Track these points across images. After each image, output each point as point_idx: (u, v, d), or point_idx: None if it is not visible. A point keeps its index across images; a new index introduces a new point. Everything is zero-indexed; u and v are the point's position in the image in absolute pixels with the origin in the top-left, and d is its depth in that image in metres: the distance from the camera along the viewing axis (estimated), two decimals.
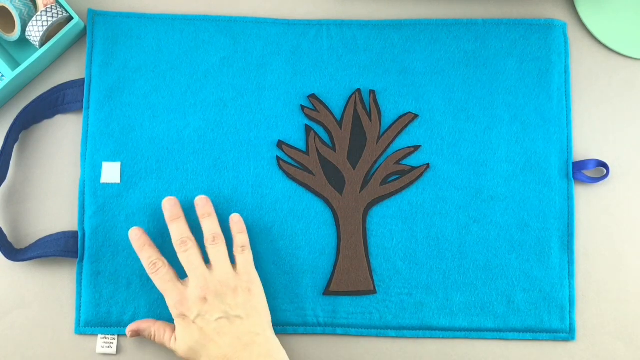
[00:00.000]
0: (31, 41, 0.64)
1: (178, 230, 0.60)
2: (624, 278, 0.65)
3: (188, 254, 0.59)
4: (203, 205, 0.62)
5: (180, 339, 0.58)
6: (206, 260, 0.60)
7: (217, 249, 0.60)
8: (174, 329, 0.59)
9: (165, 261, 0.60)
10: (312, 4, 0.69)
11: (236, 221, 0.62)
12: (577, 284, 0.65)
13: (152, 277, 0.60)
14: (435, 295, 0.64)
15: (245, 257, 0.61)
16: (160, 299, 0.63)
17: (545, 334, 0.64)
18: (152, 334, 0.60)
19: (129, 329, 0.61)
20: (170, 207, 0.62)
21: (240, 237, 0.62)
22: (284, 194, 0.65)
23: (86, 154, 0.65)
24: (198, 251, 0.60)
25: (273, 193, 0.65)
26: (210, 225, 0.61)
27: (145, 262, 0.60)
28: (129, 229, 0.63)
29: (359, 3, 0.69)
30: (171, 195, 0.64)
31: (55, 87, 0.66)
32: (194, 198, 0.64)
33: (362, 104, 0.66)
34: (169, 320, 0.62)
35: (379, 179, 0.65)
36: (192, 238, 0.60)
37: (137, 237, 0.61)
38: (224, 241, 0.61)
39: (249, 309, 0.58)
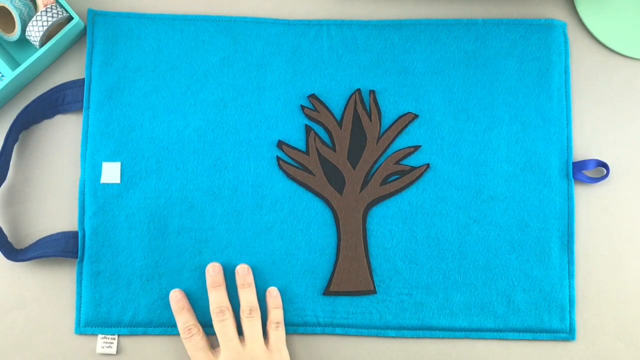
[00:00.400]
0: (31, 41, 0.64)
1: (217, 298, 0.61)
2: (624, 278, 0.65)
3: (223, 324, 0.60)
4: (244, 275, 0.62)
5: None
6: (239, 329, 0.61)
7: (252, 323, 0.60)
8: None
9: (200, 328, 0.61)
10: (312, 4, 0.69)
11: (274, 295, 0.63)
12: (577, 284, 0.65)
13: (185, 342, 0.60)
14: (435, 295, 0.64)
15: (278, 334, 0.61)
16: (161, 299, 0.63)
17: (545, 334, 0.64)
18: None
19: None
20: (214, 273, 0.62)
21: (276, 312, 0.62)
22: (284, 194, 0.65)
23: (86, 154, 0.65)
24: (233, 322, 0.61)
25: (273, 193, 0.65)
26: (248, 297, 0.62)
27: (180, 326, 0.61)
28: (129, 229, 0.63)
29: (359, 3, 0.69)
30: (170, 194, 0.64)
31: (55, 87, 0.66)
32: (194, 198, 0.64)
33: (362, 104, 0.66)
34: (170, 319, 0.62)
35: (379, 179, 0.65)
36: (230, 308, 0.61)
37: (176, 300, 0.62)
38: (260, 315, 0.61)
39: None
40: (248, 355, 0.59)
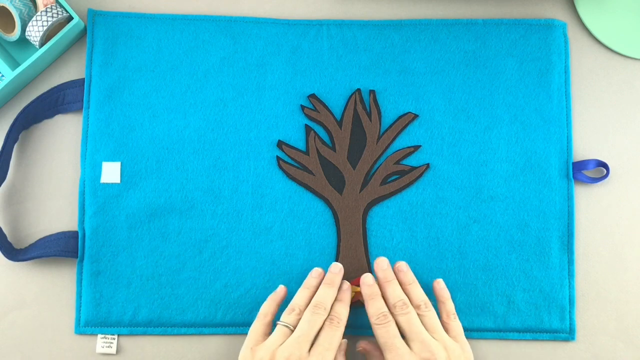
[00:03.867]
0: (31, 41, 0.64)
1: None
2: (624, 278, 0.65)
3: (408, 317, 0.58)
4: (406, 272, 0.61)
5: None
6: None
7: (430, 315, 0.59)
8: None
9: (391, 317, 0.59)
10: (312, 4, 0.69)
11: (442, 287, 0.62)
12: (577, 284, 0.65)
13: (378, 327, 0.58)
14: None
15: (458, 324, 0.60)
16: (161, 299, 0.63)
17: (545, 334, 0.64)
18: None
19: (359, 346, 0.62)
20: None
21: (450, 304, 0.61)
22: (284, 194, 0.65)
23: (86, 154, 0.65)
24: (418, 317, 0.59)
25: (273, 193, 0.65)
26: (417, 292, 0.60)
27: (374, 312, 0.58)
28: (129, 229, 0.63)
29: (359, 3, 0.69)
30: (170, 194, 0.64)
31: (55, 87, 0.66)
32: (194, 198, 0.64)
33: (362, 104, 0.66)
34: (170, 319, 0.62)
35: (379, 179, 0.65)
36: (408, 303, 0.59)
37: (369, 285, 0.60)
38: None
39: None
40: (440, 347, 0.57)
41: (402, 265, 0.62)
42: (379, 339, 0.58)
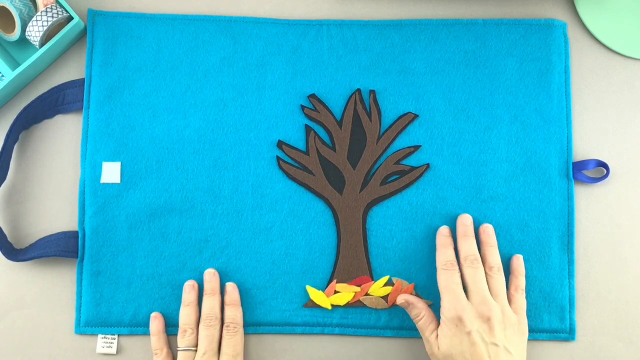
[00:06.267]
0: (31, 41, 0.64)
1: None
2: (624, 278, 0.65)
3: (476, 272, 0.59)
4: (489, 235, 0.62)
5: (445, 340, 0.57)
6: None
7: (499, 279, 0.60)
8: (437, 325, 0.59)
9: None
10: (312, 4, 0.69)
11: (520, 263, 0.63)
12: (577, 284, 0.65)
13: (443, 272, 0.59)
14: (435, 295, 0.64)
15: (524, 300, 0.61)
16: (161, 298, 0.63)
17: (545, 334, 0.64)
18: (420, 316, 0.60)
19: (401, 297, 0.61)
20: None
21: (522, 279, 0.62)
22: (284, 194, 0.65)
23: (86, 154, 0.65)
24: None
25: (273, 193, 0.65)
26: (495, 255, 0.61)
27: (443, 259, 0.60)
28: (129, 228, 0.64)
29: (359, 3, 0.69)
30: (170, 194, 0.64)
31: (55, 87, 0.66)
32: (194, 198, 0.64)
33: (362, 104, 0.66)
34: (170, 319, 0.62)
35: (379, 179, 0.65)
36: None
37: (445, 236, 0.62)
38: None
39: (520, 351, 0.58)
40: (499, 310, 0.57)
41: (488, 228, 0.63)
42: (441, 283, 0.59)
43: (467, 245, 0.61)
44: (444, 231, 0.63)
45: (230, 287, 0.63)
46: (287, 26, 0.67)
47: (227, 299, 0.62)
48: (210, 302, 0.62)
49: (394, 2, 0.69)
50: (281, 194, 0.65)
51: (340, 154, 0.65)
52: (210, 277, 0.63)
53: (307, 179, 0.65)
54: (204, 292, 0.62)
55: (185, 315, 0.61)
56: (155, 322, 0.62)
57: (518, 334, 0.59)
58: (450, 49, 0.67)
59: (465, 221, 0.63)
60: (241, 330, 0.61)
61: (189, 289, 0.63)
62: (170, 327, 0.63)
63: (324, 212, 0.65)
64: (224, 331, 0.60)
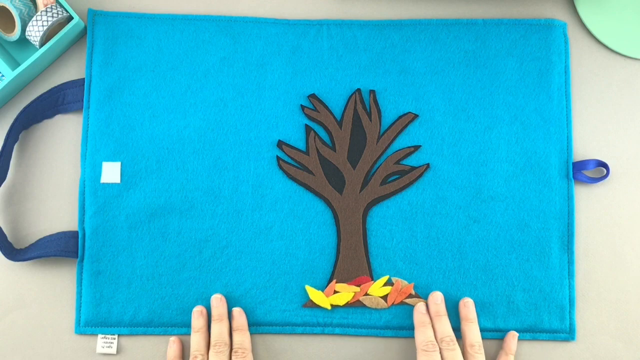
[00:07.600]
0: (31, 41, 0.64)
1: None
2: (624, 278, 0.65)
3: (454, 354, 0.59)
4: (469, 309, 0.62)
5: None
6: None
7: (479, 359, 0.60)
8: None
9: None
10: (312, 4, 0.69)
11: (515, 342, 0.63)
12: (577, 284, 0.65)
13: (424, 353, 0.59)
14: None
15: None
16: (161, 299, 0.63)
17: (545, 334, 0.64)
18: None
19: None
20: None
21: (512, 358, 0.62)
22: (284, 194, 0.65)
23: (86, 154, 0.65)
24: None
25: (273, 193, 0.65)
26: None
27: (424, 339, 0.60)
28: (129, 229, 0.64)
29: (359, 3, 0.69)
30: (170, 194, 0.64)
31: (55, 87, 0.66)
32: (194, 198, 0.64)
33: (362, 104, 0.66)
34: (171, 319, 0.62)
35: (379, 179, 0.65)
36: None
37: (423, 314, 0.62)
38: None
39: None
40: None
41: (469, 302, 0.63)
42: None
43: (442, 326, 0.61)
44: (420, 308, 0.62)
45: (237, 312, 0.63)
46: (287, 26, 0.67)
47: (234, 324, 0.62)
48: (219, 329, 0.62)
49: (394, 2, 0.69)
50: (281, 194, 0.65)
51: (340, 154, 0.65)
52: (217, 302, 0.63)
53: (307, 179, 0.65)
54: (212, 318, 0.62)
55: (195, 342, 0.61)
56: (174, 347, 0.62)
57: None
58: (450, 49, 0.67)
59: (436, 300, 0.63)
60: (250, 355, 0.61)
61: (197, 315, 0.63)
62: (170, 327, 0.63)
63: (324, 212, 0.65)
64: (233, 356, 0.60)
